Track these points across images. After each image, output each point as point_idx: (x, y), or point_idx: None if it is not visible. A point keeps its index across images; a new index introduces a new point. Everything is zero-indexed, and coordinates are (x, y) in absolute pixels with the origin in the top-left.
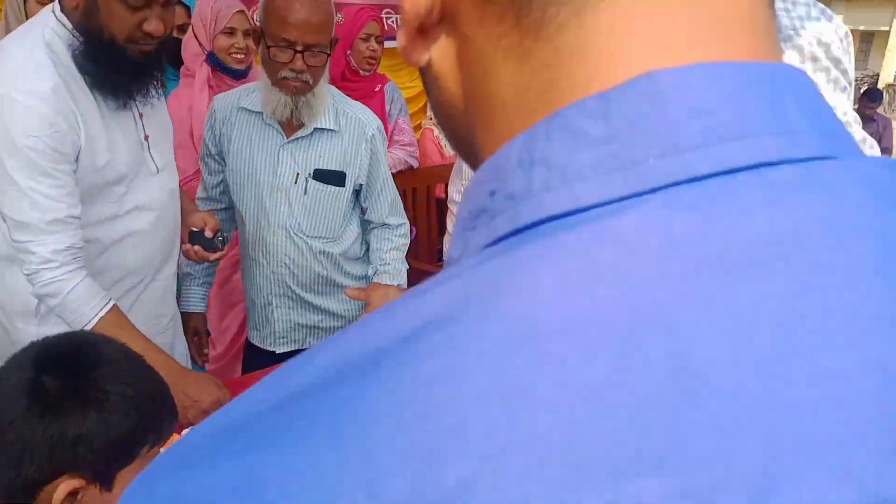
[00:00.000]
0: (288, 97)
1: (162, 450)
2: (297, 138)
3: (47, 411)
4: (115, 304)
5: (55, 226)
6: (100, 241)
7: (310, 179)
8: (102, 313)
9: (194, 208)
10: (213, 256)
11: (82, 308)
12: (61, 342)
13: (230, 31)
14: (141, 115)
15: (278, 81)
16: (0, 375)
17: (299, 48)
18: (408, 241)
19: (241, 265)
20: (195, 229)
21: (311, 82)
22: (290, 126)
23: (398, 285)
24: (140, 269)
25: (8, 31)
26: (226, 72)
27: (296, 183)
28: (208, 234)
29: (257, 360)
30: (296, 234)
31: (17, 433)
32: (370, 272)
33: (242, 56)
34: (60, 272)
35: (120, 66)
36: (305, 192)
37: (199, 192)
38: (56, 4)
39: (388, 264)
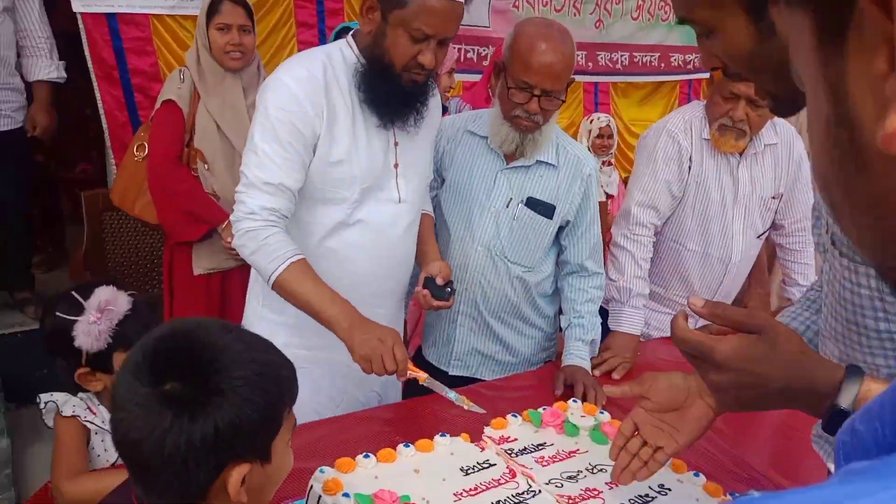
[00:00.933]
0: (516, 134)
1: None
2: (517, 167)
3: (191, 416)
4: (304, 258)
5: (269, 188)
6: (333, 253)
7: (521, 205)
8: (294, 259)
9: (437, 255)
10: (436, 303)
11: (276, 252)
12: (167, 345)
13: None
14: (397, 144)
15: (511, 118)
16: (124, 396)
17: (537, 92)
18: (602, 295)
19: None
20: (429, 276)
21: (540, 123)
22: (511, 154)
23: (591, 340)
24: (359, 285)
25: (197, 55)
26: None
27: (507, 207)
28: (439, 281)
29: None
30: (497, 256)
31: (174, 445)
32: (563, 324)
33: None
34: (259, 224)
35: (391, 89)
36: (514, 218)
37: None
38: (351, 32)
39: (583, 317)
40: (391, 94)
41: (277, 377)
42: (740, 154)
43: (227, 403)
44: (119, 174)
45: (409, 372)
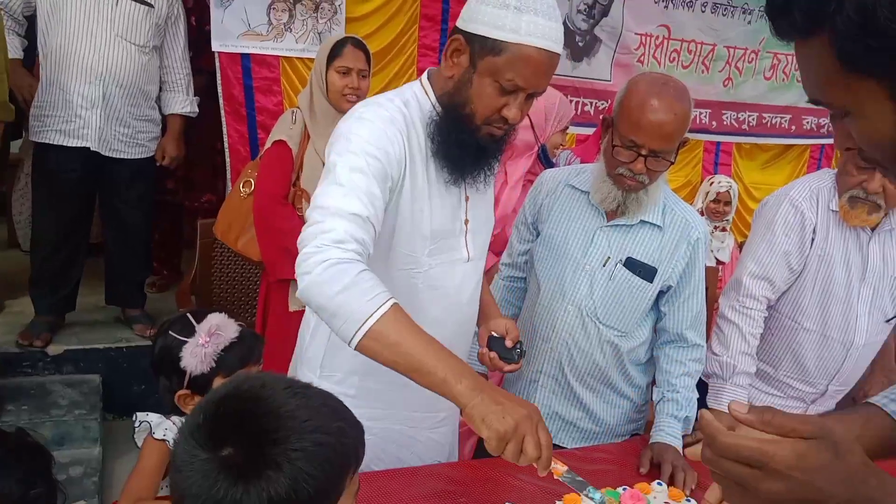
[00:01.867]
0: (619, 192)
1: None
2: (618, 225)
3: (245, 487)
4: (397, 302)
5: (356, 219)
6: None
7: (619, 266)
8: (389, 304)
9: (498, 312)
10: (507, 367)
11: (374, 291)
12: (229, 408)
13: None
14: (467, 199)
15: (614, 175)
16: (182, 458)
17: (644, 152)
18: (701, 369)
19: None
20: (495, 335)
21: (646, 183)
22: (613, 212)
23: (685, 417)
24: None
25: (311, 97)
26: (547, 164)
27: (604, 266)
28: (508, 343)
29: None
30: (588, 317)
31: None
32: (655, 396)
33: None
34: (351, 255)
35: (467, 142)
36: (611, 278)
37: (504, 258)
38: (426, 74)
39: (678, 391)
40: (465, 147)
41: (342, 445)
42: (872, 229)
43: (284, 476)
44: (224, 209)
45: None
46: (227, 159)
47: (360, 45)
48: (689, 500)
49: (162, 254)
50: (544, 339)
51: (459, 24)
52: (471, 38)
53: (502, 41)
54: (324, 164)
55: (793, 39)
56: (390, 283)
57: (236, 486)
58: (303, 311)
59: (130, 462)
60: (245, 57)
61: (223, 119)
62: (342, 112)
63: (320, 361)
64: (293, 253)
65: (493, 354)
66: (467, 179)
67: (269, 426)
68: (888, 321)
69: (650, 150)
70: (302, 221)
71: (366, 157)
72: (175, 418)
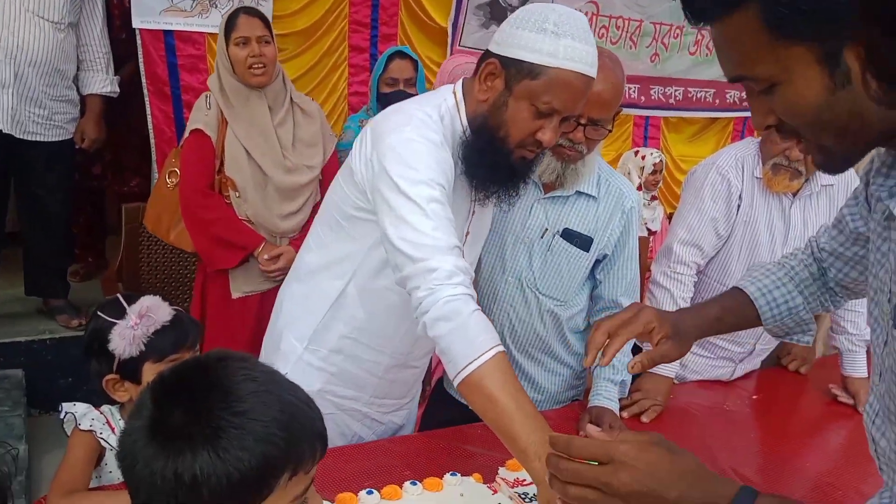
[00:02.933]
0: (558, 163)
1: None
2: (555, 197)
3: (161, 450)
4: (504, 351)
5: (455, 250)
6: (393, 307)
7: (557, 237)
8: (498, 350)
9: None
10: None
11: (478, 337)
12: (178, 371)
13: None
14: (472, 213)
15: (553, 146)
16: (137, 407)
17: (583, 121)
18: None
19: None
20: None
21: (584, 153)
22: (550, 184)
23: (622, 381)
24: (405, 345)
25: (219, 79)
26: None
27: (542, 238)
28: None
29: (442, 411)
30: (528, 288)
31: (147, 470)
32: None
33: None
34: (462, 290)
35: (500, 165)
36: (549, 249)
37: None
38: (458, 86)
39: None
40: (497, 169)
41: (272, 437)
42: (794, 194)
43: (192, 452)
44: (152, 200)
45: None
46: (153, 140)
47: (252, 11)
48: None
49: (85, 240)
50: (486, 312)
51: (493, 48)
52: (507, 61)
53: (540, 65)
54: (247, 151)
55: (712, 20)
56: (394, 292)
57: (150, 446)
58: (247, 297)
59: (58, 457)
60: (168, 34)
61: (146, 99)
62: (255, 86)
63: (310, 334)
64: (226, 242)
65: None
66: (493, 199)
67: (199, 399)
68: None
69: (589, 118)
70: (229, 209)
71: (438, 188)
72: (105, 408)
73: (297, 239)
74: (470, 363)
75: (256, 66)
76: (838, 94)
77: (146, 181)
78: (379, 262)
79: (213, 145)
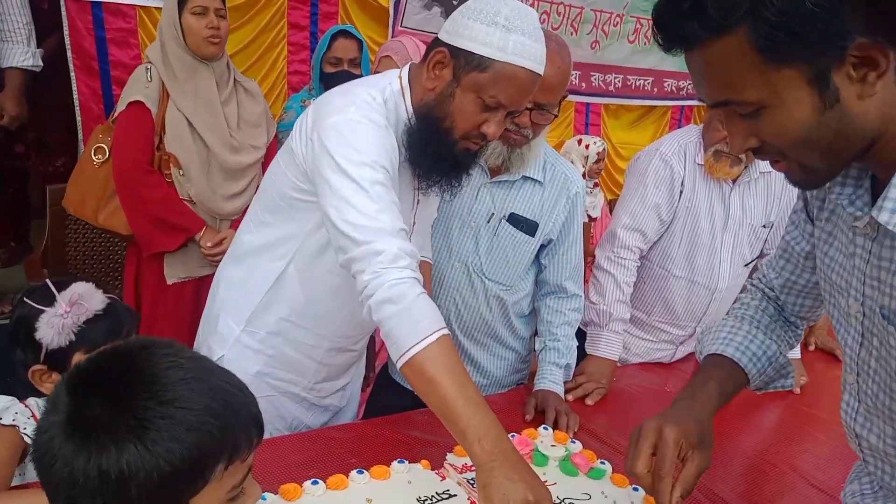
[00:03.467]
0: (504, 147)
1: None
2: (501, 181)
3: (83, 446)
4: (449, 335)
5: (401, 232)
6: (328, 288)
7: (503, 222)
8: (442, 334)
9: None
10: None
11: (422, 322)
12: (98, 361)
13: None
14: (418, 202)
15: None
16: (53, 400)
17: (529, 105)
18: (580, 318)
19: None
20: None
21: (530, 137)
22: (497, 168)
23: (566, 364)
24: (345, 322)
25: (162, 50)
26: None
27: (488, 223)
28: None
29: (388, 397)
30: (475, 273)
31: (66, 469)
32: (538, 346)
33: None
34: (407, 274)
35: (444, 155)
36: (495, 234)
37: None
38: (405, 71)
39: (559, 340)
40: (442, 160)
41: (205, 425)
42: (733, 181)
43: (116, 446)
44: (74, 180)
45: None
46: (79, 118)
47: None
48: (574, 441)
49: (8, 224)
50: (433, 297)
51: (443, 36)
52: (456, 52)
53: (489, 58)
54: (190, 124)
55: (694, 45)
56: (336, 274)
57: (68, 443)
58: (184, 282)
59: None
60: (96, 6)
61: (72, 74)
62: (207, 58)
63: (247, 316)
64: (167, 223)
65: None
66: (435, 189)
67: (120, 390)
68: (746, 265)
69: (535, 102)
70: (170, 188)
71: (381, 170)
72: (32, 401)
73: (239, 221)
74: (413, 346)
75: (214, 38)
76: (827, 114)
77: (73, 161)
78: (320, 245)
79: (154, 119)
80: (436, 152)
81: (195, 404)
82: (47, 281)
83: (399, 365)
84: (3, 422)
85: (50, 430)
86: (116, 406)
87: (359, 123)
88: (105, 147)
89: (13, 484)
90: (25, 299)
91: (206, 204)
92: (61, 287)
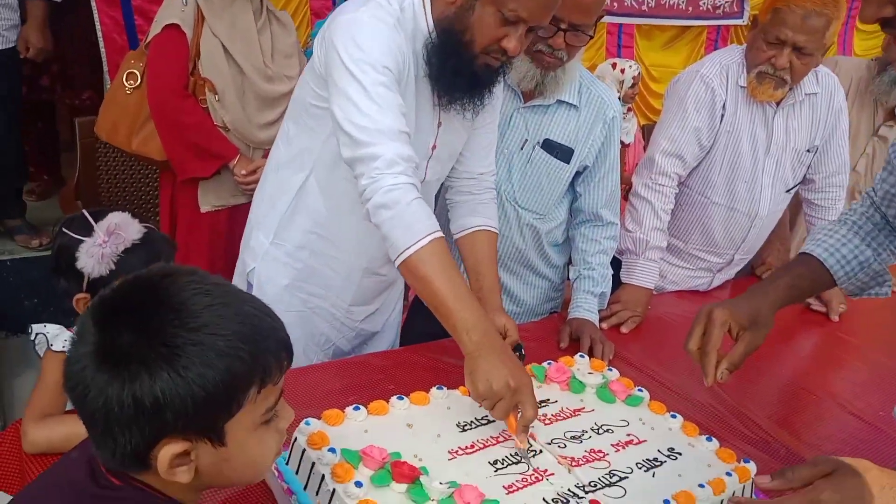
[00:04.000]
0: (538, 70)
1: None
2: (535, 106)
3: (115, 375)
4: (443, 237)
5: (400, 135)
6: (350, 216)
7: (537, 148)
8: (435, 237)
9: (499, 304)
10: None
11: (417, 225)
12: (122, 290)
13: None
14: (440, 125)
15: (532, 52)
16: (80, 331)
17: (563, 26)
18: (615, 246)
19: None
20: None
21: (564, 60)
22: (530, 93)
23: (601, 293)
24: (366, 252)
25: None
26: None
27: (521, 149)
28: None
29: (422, 323)
30: (508, 201)
31: (101, 398)
32: (572, 274)
33: None
34: (403, 179)
35: (463, 70)
36: (529, 161)
37: None
38: None
39: (594, 269)
40: (461, 74)
41: (236, 351)
42: (777, 104)
43: (148, 374)
44: (106, 107)
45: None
46: (103, 50)
47: None
48: (611, 369)
49: (39, 157)
50: None
51: None
52: None
53: None
54: (225, 49)
55: None
56: (353, 183)
57: (100, 373)
58: (217, 211)
59: (29, 379)
60: None
61: (93, 4)
62: None
63: (275, 229)
64: (202, 149)
65: None
66: (455, 107)
67: (150, 318)
68: (788, 191)
69: (570, 23)
70: (205, 114)
71: (385, 72)
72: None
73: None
74: (407, 248)
75: None
76: None
77: (99, 93)
78: (335, 153)
79: (188, 44)
80: (455, 67)
81: (224, 330)
82: (84, 212)
83: (397, 266)
84: (54, 348)
85: (81, 360)
86: (145, 334)
87: (366, 23)
88: (137, 73)
89: (66, 408)
90: (65, 229)
91: (240, 131)
92: (98, 217)
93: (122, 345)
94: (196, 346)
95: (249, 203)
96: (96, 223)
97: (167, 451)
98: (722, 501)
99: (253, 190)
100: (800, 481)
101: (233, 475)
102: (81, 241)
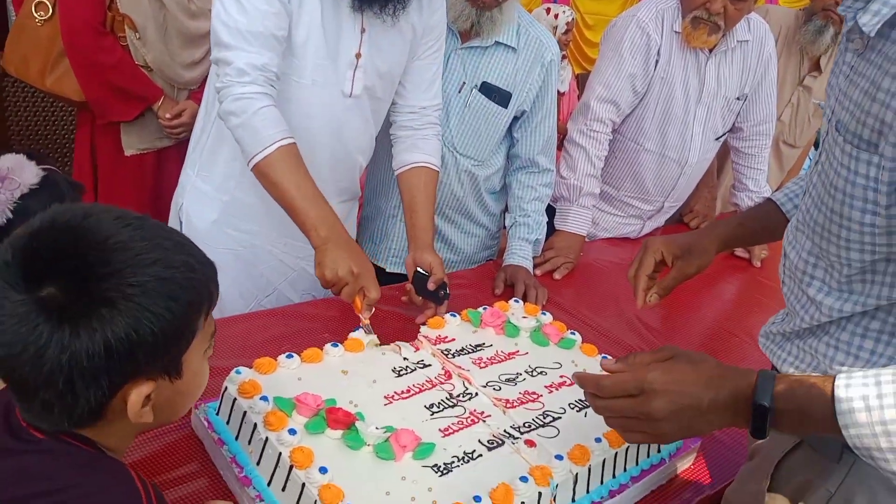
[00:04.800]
0: (473, 10)
1: None
2: (472, 47)
3: (74, 330)
4: (294, 143)
5: (257, 38)
6: None
7: (474, 91)
8: (283, 143)
9: (429, 241)
10: (426, 310)
11: (264, 131)
12: (45, 241)
13: None
14: (363, 31)
15: None
16: (4, 294)
17: None
18: (551, 193)
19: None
20: (420, 270)
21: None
22: (466, 33)
23: (535, 240)
24: None
25: None
26: None
27: (459, 93)
28: (431, 286)
29: None
30: (446, 147)
31: (54, 363)
32: (508, 222)
33: None
34: (252, 89)
35: None
36: (466, 105)
37: None
38: None
39: (529, 216)
40: None
41: (189, 280)
42: (710, 51)
43: (120, 315)
44: (14, 38)
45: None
46: None
47: None
48: (544, 313)
49: None
50: None
51: None
52: None
53: None
54: None
55: None
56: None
57: (61, 328)
58: (143, 154)
59: None
60: None
61: None
62: None
63: (199, 161)
64: (124, 91)
65: (411, 288)
66: (373, 8)
67: (94, 260)
68: (717, 139)
69: None
70: (125, 53)
71: None
72: None
73: (198, 92)
74: (256, 154)
75: None
76: None
77: (1, 20)
78: None
79: None
80: None
81: (174, 262)
82: None
83: (251, 170)
84: None
85: (23, 321)
86: (103, 278)
87: None
88: (47, 3)
89: None
90: None
91: (163, 71)
92: None
93: (84, 293)
94: (158, 280)
95: (178, 145)
96: None
97: (138, 394)
98: None
99: (179, 134)
100: (640, 365)
101: (181, 408)
102: None
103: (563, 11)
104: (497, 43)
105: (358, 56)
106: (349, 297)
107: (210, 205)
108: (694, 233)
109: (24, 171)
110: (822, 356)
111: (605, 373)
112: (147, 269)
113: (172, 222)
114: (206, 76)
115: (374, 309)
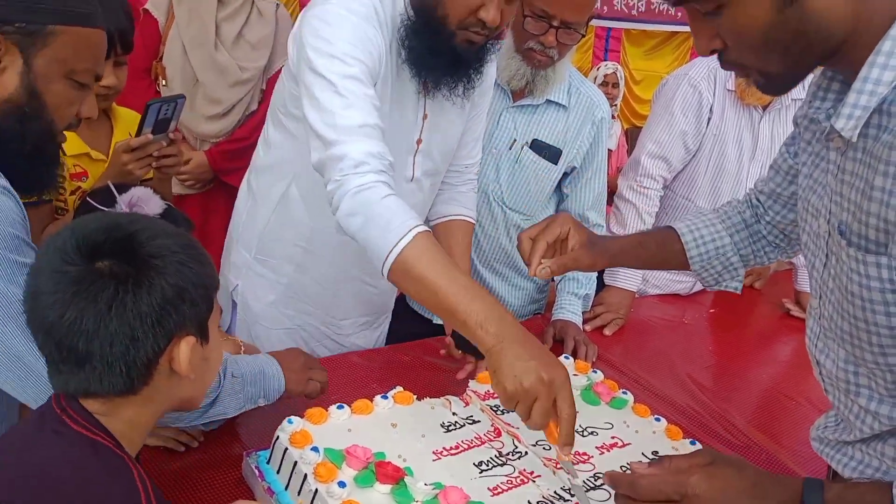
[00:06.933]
0: (528, 68)
1: None
2: (524, 105)
3: (135, 287)
4: (429, 231)
5: (367, 130)
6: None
7: (525, 148)
8: (418, 230)
9: None
10: (465, 364)
11: (394, 223)
12: (97, 226)
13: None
14: (426, 117)
15: (523, 51)
16: (50, 276)
17: (555, 23)
18: None
19: None
20: None
21: (555, 58)
22: (519, 92)
23: (585, 295)
24: (356, 262)
25: None
26: None
27: (510, 149)
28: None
29: (407, 326)
30: (495, 202)
31: (120, 320)
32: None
33: None
34: (373, 177)
35: (441, 48)
36: (517, 161)
37: None
38: None
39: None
40: (439, 53)
41: (210, 261)
42: (764, 108)
43: (167, 270)
44: None
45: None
46: None
47: None
48: (595, 371)
49: None
50: None
51: None
52: None
53: None
54: (182, 41)
55: None
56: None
57: (124, 287)
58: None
59: None
60: None
61: None
62: None
63: (257, 243)
64: None
65: (450, 342)
66: (441, 92)
67: (139, 244)
68: None
69: (562, 21)
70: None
71: (356, 63)
72: None
73: (216, 146)
74: (391, 251)
75: None
76: (786, 12)
77: None
78: None
79: (160, 30)
80: (433, 47)
81: (200, 248)
82: (109, 183)
83: (385, 275)
84: None
85: (86, 287)
86: (151, 249)
87: (334, 14)
88: None
89: None
90: (88, 199)
91: (184, 121)
92: (122, 190)
93: (134, 260)
94: (190, 253)
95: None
96: (119, 195)
97: (186, 344)
98: None
99: (188, 184)
100: (678, 470)
101: (208, 379)
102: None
103: (605, 65)
104: (548, 101)
105: (419, 142)
106: (543, 418)
107: (269, 287)
108: (596, 234)
109: (150, 203)
110: (890, 460)
111: (638, 472)
112: (181, 247)
113: (223, 301)
114: (230, 131)
115: (516, 431)
